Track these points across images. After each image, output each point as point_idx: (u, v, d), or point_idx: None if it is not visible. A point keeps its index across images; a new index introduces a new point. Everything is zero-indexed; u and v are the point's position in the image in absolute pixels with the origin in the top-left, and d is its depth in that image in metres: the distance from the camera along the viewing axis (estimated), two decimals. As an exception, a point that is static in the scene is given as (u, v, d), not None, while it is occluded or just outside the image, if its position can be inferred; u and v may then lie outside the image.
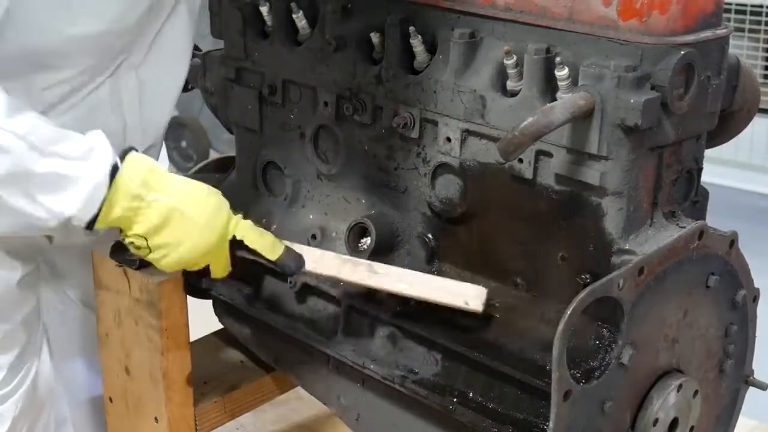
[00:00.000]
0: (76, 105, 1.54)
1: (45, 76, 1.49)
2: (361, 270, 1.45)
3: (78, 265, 1.79)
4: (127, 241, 1.38)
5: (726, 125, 1.47)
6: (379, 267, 1.45)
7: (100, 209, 1.33)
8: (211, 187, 1.42)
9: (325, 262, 1.47)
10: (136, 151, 1.39)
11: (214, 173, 1.85)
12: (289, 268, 1.45)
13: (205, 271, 1.44)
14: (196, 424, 1.66)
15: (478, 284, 1.43)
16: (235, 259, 1.43)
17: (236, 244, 1.41)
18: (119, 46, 1.54)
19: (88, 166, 1.33)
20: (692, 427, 1.38)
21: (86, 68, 1.52)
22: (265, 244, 1.43)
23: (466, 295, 1.37)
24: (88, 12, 1.43)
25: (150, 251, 1.38)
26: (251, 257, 1.43)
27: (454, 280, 1.42)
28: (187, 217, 1.36)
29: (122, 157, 1.36)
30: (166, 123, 1.74)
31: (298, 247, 1.47)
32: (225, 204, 1.40)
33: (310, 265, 1.46)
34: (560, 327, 1.13)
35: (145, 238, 1.36)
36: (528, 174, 1.33)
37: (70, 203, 1.33)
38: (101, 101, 1.56)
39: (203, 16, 1.74)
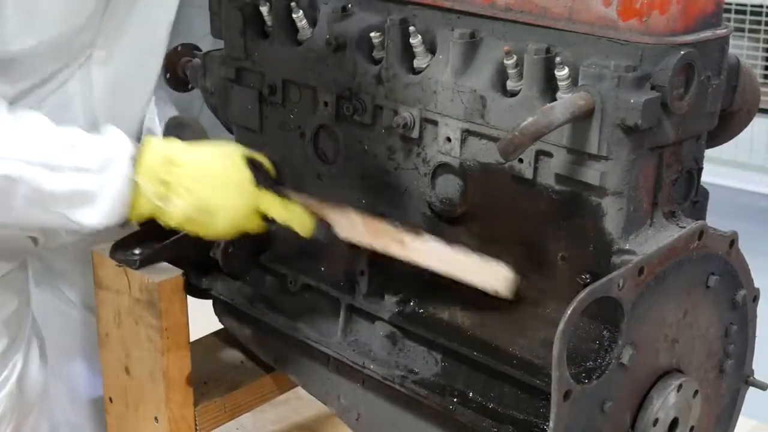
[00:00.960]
0: (45, 99, 1.53)
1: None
2: (392, 244, 1.42)
3: (75, 266, 1.79)
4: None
5: (726, 125, 1.47)
6: (409, 240, 1.42)
7: (127, 212, 1.37)
8: (234, 159, 1.42)
9: (355, 231, 1.45)
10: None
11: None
12: (318, 239, 1.46)
13: None
14: (196, 424, 1.66)
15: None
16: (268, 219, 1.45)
17: (267, 218, 1.43)
18: (78, 43, 1.52)
19: (106, 178, 1.35)
20: (692, 427, 1.38)
21: (46, 64, 1.50)
22: (293, 219, 1.43)
23: (495, 279, 1.34)
24: (28, 25, 1.42)
25: (189, 232, 1.44)
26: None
27: (485, 260, 1.37)
28: (212, 209, 1.39)
29: (140, 145, 1.38)
30: (141, 118, 1.73)
31: (329, 214, 1.45)
32: (248, 183, 1.41)
33: (341, 235, 1.45)
34: (560, 327, 1.13)
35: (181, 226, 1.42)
36: (528, 174, 1.33)
37: (96, 217, 1.36)
38: (71, 96, 1.54)
39: (203, 16, 1.74)
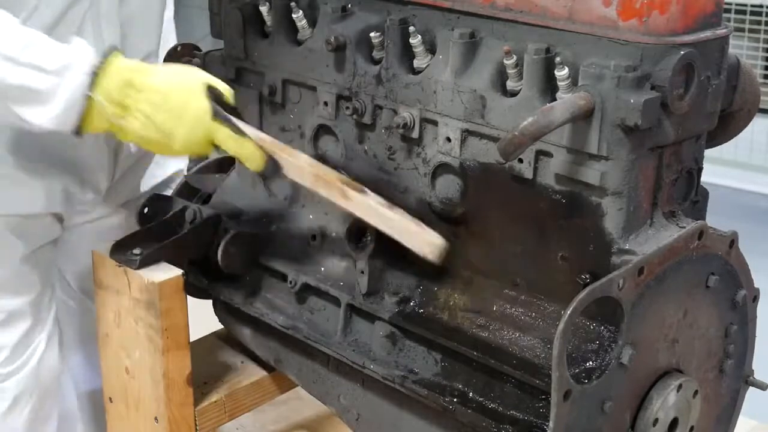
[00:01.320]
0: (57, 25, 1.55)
1: None
2: (335, 193, 1.47)
3: (83, 255, 1.79)
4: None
5: (726, 125, 1.47)
6: (351, 193, 1.46)
7: (79, 121, 1.39)
8: (194, 89, 1.43)
9: (302, 174, 1.49)
10: (117, 49, 1.42)
11: (214, 173, 1.86)
12: (266, 176, 1.49)
13: None
14: (196, 424, 1.66)
15: (478, 285, 1.44)
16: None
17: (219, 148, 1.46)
18: None
19: (62, 82, 1.36)
20: (692, 427, 1.38)
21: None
22: (244, 155, 1.44)
23: (425, 244, 1.41)
24: None
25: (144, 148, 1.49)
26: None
27: (419, 225, 1.43)
28: (166, 134, 1.41)
29: (105, 59, 1.39)
30: (150, 50, 1.75)
31: (281, 155, 1.48)
32: (205, 114, 1.42)
33: (288, 175, 1.49)
34: (560, 327, 1.13)
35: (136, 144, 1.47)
36: (528, 174, 1.33)
37: (46, 118, 1.38)
38: (83, 28, 1.57)
39: (203, 16, 1.74)
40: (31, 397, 1.71)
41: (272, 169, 1.46)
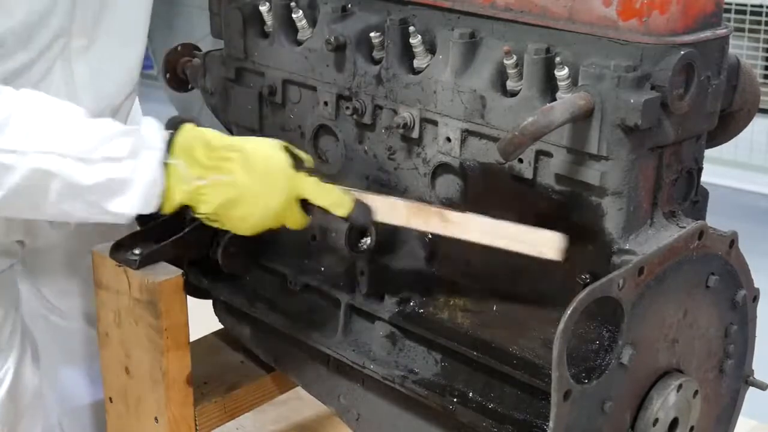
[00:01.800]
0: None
1: None
2: (434, 221, 1.39)
3: (59, 273, 1.78)
4: (198, 216, 1.40)
5: (726, 125, 1.47)
6: (452, 215, 1.39)
7: (162, 200, 1.35)
8: (272, 144, 1.39)
9: (395, 212, 1.43)
10: (189, 121, 1.39)
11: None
12: (358, 221, 1.43)
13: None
14: (196, 424, 1.66)
15: (478, 285, 1.43)
16: (308, 211, 1.42)
17: (305, 203, 1.40)
18: (49, 30, 1.50)
19: (138, 164, 1.33)
20: (692, 427, 1.38)
21: (15, 52, 1.48)
22: (332, 201, 1.40)
23: (542, 244, 1.31)
24: None
25: (224, 224, 1.40)
26: (322, 211, 1.42)
27: (530, 227, 1.34)
28: (250, 191, 1.36)
29: (174, 131, 1.36)
30: (124, 107, 1.71)
31: (368, 197, 1.43)
32: (286, 166, 1.38)
33: (380, 217, 1.43)
34: (560, 327, 1.13)
35: (216, 214, 1.38)
36: (528, 174, 1.33)
37: (130, 205, 1.35)
38: (55, 87, 1.53)
39: (203, 16, 1.74)
40: (4, 426, 1.68)
41: (362, 211, 1.41)
